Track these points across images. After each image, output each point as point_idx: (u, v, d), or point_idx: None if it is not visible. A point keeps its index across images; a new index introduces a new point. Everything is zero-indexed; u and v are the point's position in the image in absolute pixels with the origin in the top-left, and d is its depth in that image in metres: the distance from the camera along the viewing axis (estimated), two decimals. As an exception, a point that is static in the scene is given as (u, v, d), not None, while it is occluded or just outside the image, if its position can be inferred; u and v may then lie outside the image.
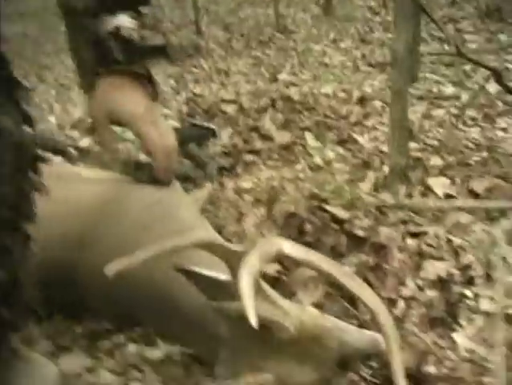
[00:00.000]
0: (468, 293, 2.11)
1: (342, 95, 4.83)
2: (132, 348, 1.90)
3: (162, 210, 1.90)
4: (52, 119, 4.69)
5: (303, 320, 1.42)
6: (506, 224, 2.43)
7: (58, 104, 5.41)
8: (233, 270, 1.27)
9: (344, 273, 1.42)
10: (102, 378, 1.78)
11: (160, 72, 5.98)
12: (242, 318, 1.10)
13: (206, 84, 5.71)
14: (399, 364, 1.39)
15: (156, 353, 1.86)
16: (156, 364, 1.82)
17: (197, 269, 1.43)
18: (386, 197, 2.71)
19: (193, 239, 1.38)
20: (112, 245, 1.78)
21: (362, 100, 4.56)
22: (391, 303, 2.15)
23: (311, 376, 1.49)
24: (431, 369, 1.81)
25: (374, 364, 1.74)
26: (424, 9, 2.83)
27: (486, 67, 3.15)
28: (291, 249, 1.36)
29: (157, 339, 1.89)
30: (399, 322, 2.07)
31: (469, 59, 2.63)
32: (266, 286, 1.41)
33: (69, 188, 2.04)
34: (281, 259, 1.78)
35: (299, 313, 1.43)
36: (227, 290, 1.32)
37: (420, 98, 4.57)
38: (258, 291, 1.27)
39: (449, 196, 2.72)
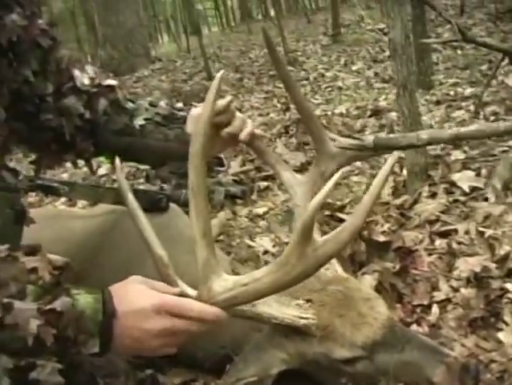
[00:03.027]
0: (509, 286, 1.88)
1: (356, 112, 4.68)
2: None
3: (168, 234, 1.74)
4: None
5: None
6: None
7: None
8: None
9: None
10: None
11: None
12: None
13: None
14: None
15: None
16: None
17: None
18: (406, 200, 2.51)
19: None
20: (112, 273, 1.65)
21: (377, 113, 4.40)
22: (424, 310, 1.94)
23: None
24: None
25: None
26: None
27: (498, 49, 2.94)
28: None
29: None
30: (434, 328, 1.86)
31: (476, 42, 2.44)
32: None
33: (63, 226, 1.99)
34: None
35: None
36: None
37: (438, 102, 4.40)
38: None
39: (475, 189, 2.49)
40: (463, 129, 1.32)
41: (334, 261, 1.56)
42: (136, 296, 1.36)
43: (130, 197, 1.52)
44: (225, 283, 1.34)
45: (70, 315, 1.23)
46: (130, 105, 1.87)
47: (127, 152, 1.90)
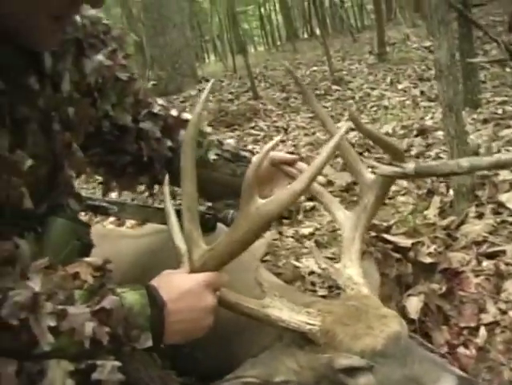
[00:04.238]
0: (559, 309, 1.86)
1: (402, 131, 4.66)
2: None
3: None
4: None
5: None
6: None
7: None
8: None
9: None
10: None
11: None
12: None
13: (264, 142, 5.64)
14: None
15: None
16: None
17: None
18: (453, 220, 2.49)
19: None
20: None
21: (423, 132, 4.37)
22: (471, 332, 1.92)
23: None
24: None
25: None
26: (459, 9, 2.64)
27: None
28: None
29: None
30: (482, 351, 1.84)
31: (523, 61, 2.43)
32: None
33: (113, 246, 2.04)
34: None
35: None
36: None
37: (485, 121, 4.34)
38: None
39: (524, 210, 2.47)
40: (504, 156, 1.33)
41: (361, 281, 1.61)
42: (180, 281, 1.44)
43: (172, 219, 1.68)
44: (199, 251, 1.49)
45: (119, 312, 1.28)
46: (203, 139, 1.98)
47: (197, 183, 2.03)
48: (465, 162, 1.34)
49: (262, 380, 1.48)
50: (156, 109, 1.93)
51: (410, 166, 1.42)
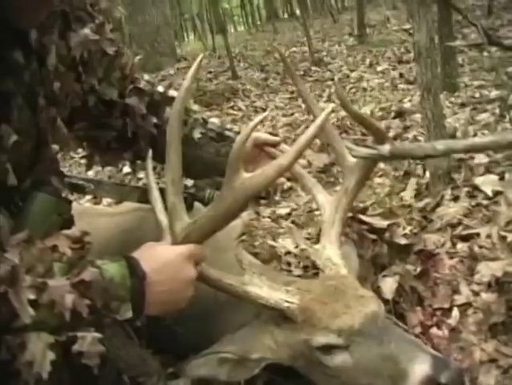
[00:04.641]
0: (530, 292, 1.88)
1: (380, 113, 4.67)
2: None
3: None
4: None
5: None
6: None
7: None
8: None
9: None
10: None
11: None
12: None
13: (243, 122, 5.63)
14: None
15: None
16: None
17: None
18: (428, 203, 2.51)
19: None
20: None
21: (401, 115, 4.39)
22: (444, 313, 1.95)
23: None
24: (491, 381, 1.60)
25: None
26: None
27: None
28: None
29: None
30: (454, 332, 1.86)
31: (501, 44, 2.42)
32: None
33: (89, 223, 1.97)
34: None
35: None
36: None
37: (463, 105, 4.36)
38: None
39: (498, 193, 2.49)
40: (478, 140, 1.35)
41: (340, 262, 1.63)
42: (161, 252, 1.45)
43: (155, 194, 1.68)
44: (182, 224, 1.50)
45: (99, 284, 1.27)
46: (188, 117, 1.97)
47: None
48: (440, 145, 1.35)
49: (239, 356, 1.50)
50: (141, 84, 1.91)
51: (385, 148, 1.43)
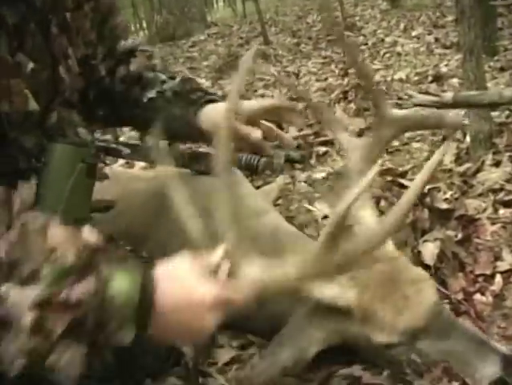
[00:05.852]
0: None
1: (416, 78, 4.58)
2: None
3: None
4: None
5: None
6: None
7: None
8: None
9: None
10: None
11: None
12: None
13: (276, 87, 5.57)
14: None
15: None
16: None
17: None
18: (469, 167, 2.45)
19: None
20: (169, 236, 1.69)
21: (438, 79, 4.30)
22: (487, 279, 1.90)
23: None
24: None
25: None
26: None
27: None
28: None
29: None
30: (498, 299, 1.82)
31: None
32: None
33: (126, 187, 2.04)
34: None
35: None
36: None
37: (502, 69, 4.26)
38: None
39: (542, 159, 2.43)
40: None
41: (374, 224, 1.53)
42: (186, 287, 1.18)
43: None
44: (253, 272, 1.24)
45: (92, 300, 1.07)
46: (148, 75, 1.88)
47: (130, 123, 2.09)
48: (508, 91, 1.27)
49: (297, 359, 1.43)
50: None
51: (448, 95, 1.36)
